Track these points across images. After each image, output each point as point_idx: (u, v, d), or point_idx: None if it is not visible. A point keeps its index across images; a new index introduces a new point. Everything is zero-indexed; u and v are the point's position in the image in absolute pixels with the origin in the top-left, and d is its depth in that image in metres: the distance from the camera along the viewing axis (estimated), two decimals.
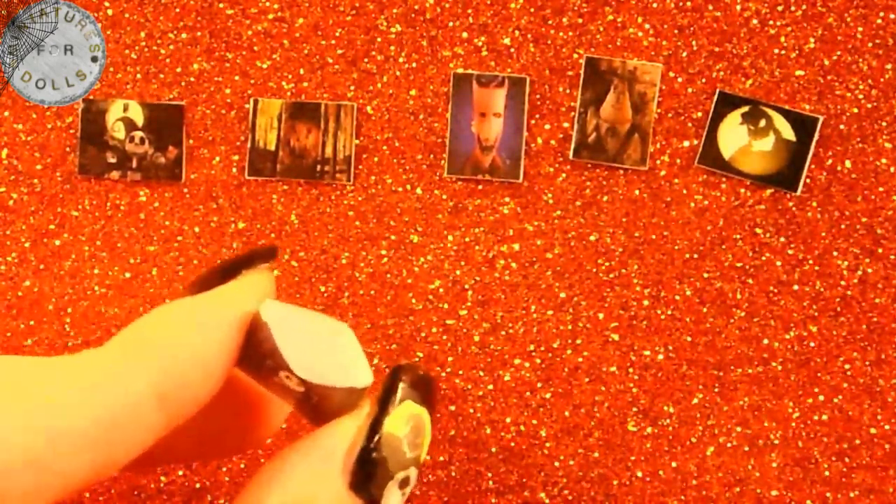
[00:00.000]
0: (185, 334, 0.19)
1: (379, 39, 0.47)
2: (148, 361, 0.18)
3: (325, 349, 0.20)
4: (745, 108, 0.45)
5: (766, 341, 0.45)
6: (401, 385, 0.20)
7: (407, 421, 0.20)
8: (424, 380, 0.21)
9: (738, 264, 0.45)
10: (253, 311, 0.20)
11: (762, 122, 0.45)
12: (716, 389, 0.45)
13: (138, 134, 0.47)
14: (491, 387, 0.46)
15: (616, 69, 0.45)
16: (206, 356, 0.19)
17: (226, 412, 0.23)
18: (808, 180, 0.45)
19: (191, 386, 0.19)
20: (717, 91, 0.45)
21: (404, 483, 0.20)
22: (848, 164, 0.45)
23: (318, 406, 0.20)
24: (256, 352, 0.20)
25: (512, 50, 0.46)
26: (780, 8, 0.45)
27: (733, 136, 0.45)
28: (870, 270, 0.44)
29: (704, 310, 0.45)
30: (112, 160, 0.47)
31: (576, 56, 0.46)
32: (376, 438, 0.19)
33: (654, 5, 0.46)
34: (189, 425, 0.20)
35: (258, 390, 0.22)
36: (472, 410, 0.46)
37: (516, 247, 0.46)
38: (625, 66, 0.45)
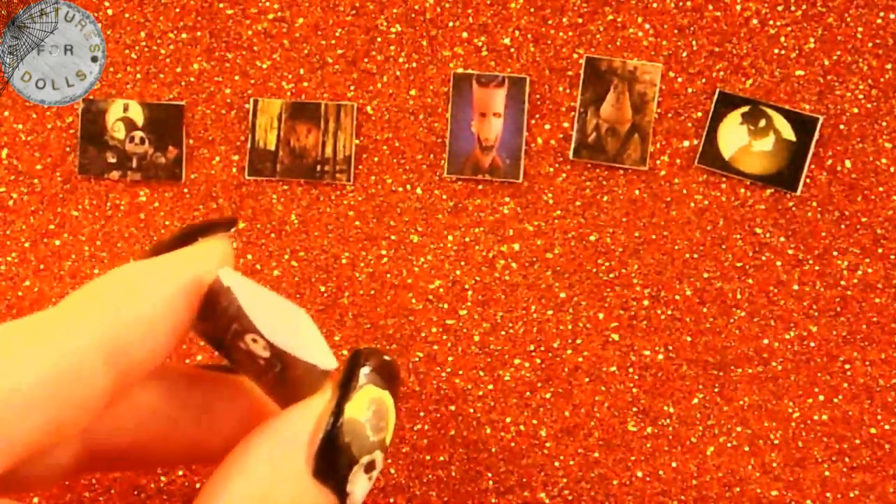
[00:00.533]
0: (131, 295, 0.19)
1: (379, 39, 0.47)
2: (92, 321, 0.18)
3: (287, 324, 0.20)
4: (745, 108, 0.45)
5: (766, 341, 0.45)
6: (361, 369, 0.20)
7: (369, 405, 0.20)
8: (386, 363, 0.21)
9: (738, 264, 0.45)
10: (206, 276, 0.20)
11: (762, 122, 0.45)
12: (716, 389, 0.45)
13: (138, 134, 0.47)
14: (491, 387, 0.46)
15: (616, 69, 0.45)
16: (151, 317, 0.19)
17: (226, 419, 0.23)
18: (808, 180, 0.45)
19: (136, 346, 0.19)
20: (717, 91, 0.45)
21: (370, 467, 0.20)
22: (848, 164, 0.45)
23: (281, 376, 0.20)
24: (221, 318, 0.20)
25: (512, 50, 0.46)
26: (780, 8, 0.45)
27: (733, 136, 0.45)
28: (870, 270, 0.44)
29: (704, 310, 0.45)
30: (112, 160, 0.47)
31: (576, 56, 0.46)
32: (338, 424, 0.19)
33: (654, 5, 0.46)
34: (189, 430, 0.20)
35: (257, 399, 0.22)
36: (472, 410, 0.46)
37: (516, 247, 0.46)
38: (625, 66, 0.45)
